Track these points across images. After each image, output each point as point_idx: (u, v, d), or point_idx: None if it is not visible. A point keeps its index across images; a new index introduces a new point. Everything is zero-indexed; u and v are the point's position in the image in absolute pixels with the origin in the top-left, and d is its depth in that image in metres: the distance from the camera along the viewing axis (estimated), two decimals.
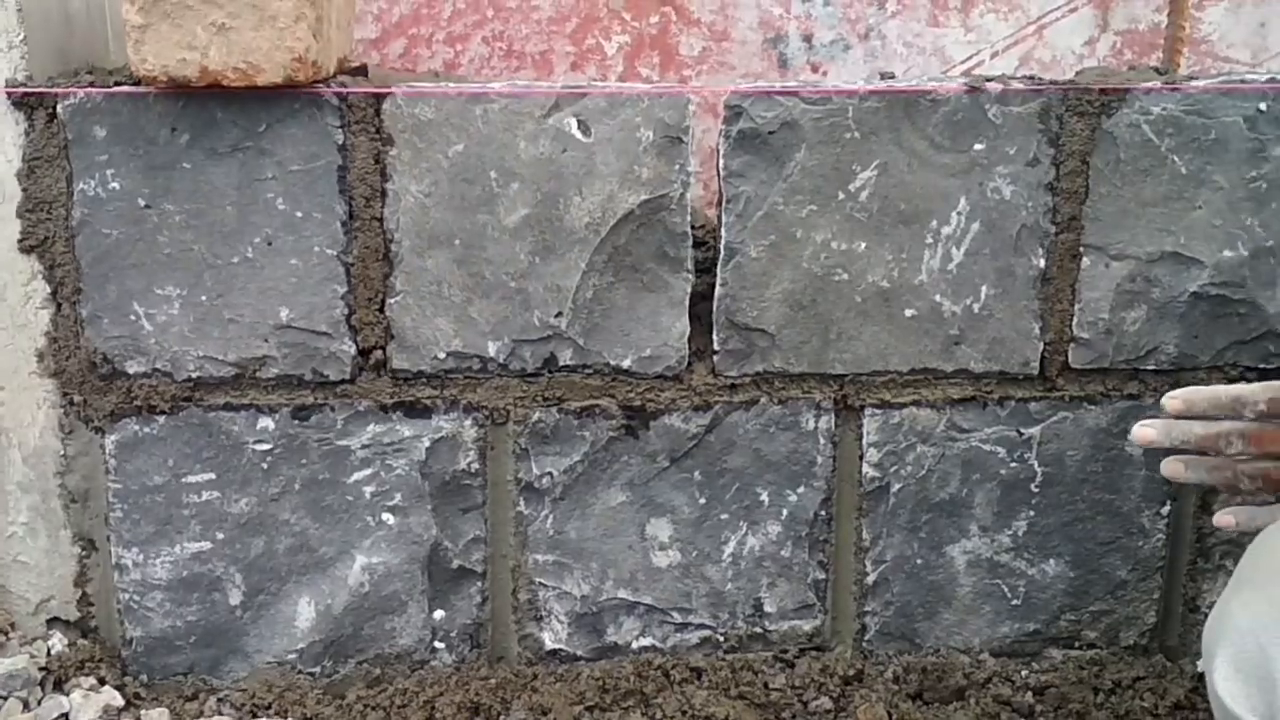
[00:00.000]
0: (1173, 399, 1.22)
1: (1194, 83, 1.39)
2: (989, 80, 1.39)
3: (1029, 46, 1.73)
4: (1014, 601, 1.51)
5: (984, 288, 1.42)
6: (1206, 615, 1.25)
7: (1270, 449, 1.18)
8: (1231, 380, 1.45)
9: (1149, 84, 1.39)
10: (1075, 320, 1.43)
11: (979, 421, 1.46)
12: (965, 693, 1.47)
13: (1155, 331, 1.44)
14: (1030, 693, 1.47)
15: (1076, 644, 1.53)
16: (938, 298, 1.42)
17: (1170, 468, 1.24)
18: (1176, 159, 1.39)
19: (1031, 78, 1.41)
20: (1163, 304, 1.43)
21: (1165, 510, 1.49)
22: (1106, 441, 1.47)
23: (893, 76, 1.51)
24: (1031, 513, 1.49)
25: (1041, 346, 1.44)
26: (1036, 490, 1.48)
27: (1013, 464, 1.47)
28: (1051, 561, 1.50)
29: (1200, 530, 1.51)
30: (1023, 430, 1.46)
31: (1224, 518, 1.22)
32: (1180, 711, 1.46)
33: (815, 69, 1.74)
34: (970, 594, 1.51)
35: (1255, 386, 1.19)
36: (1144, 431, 1.23)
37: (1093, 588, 1.51)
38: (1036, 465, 1.47)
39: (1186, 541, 1.52)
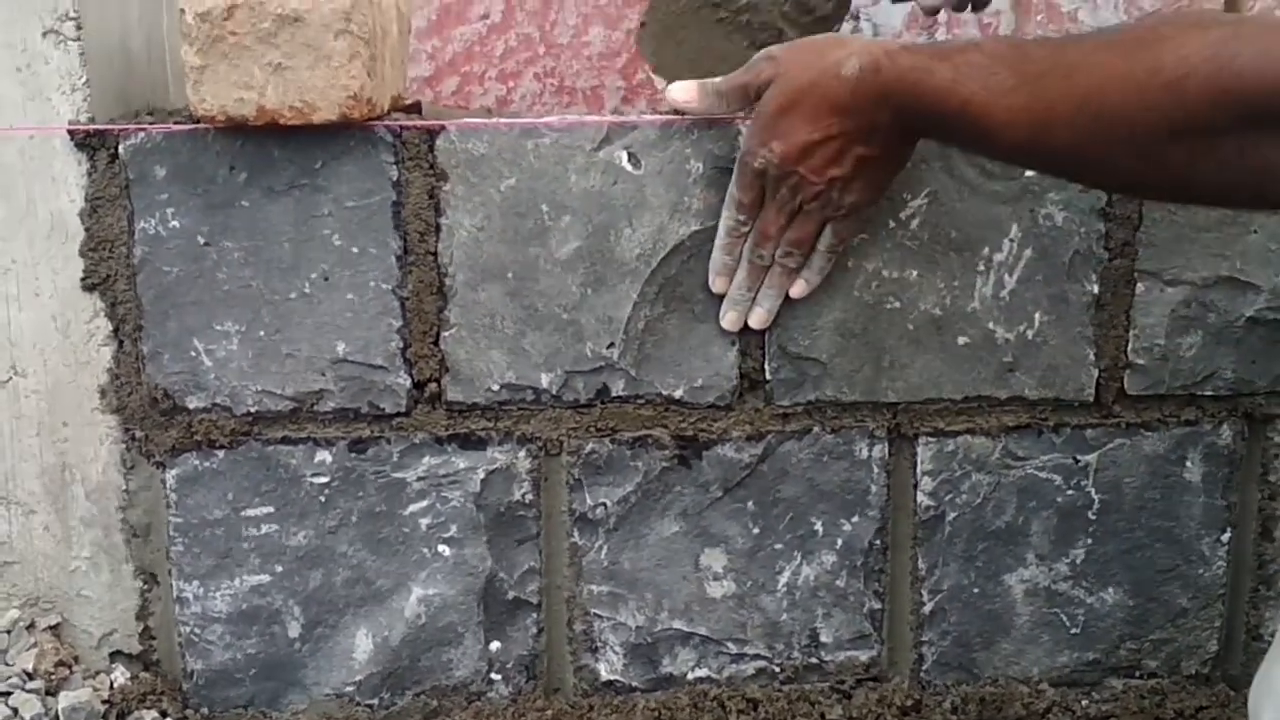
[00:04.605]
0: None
1: None
2: None
3: None
4: (1073, 630, 1.50)
5: (1037, 314, 1.41)
6: (1269, 644, 1.24)
7: None
8: None
9: None
10: (1130, 346, 1.43)
11: (1034, 449, 1.45)
12: None
13: (1212, 356, 1.43)
14: None
15: (1137, 673, 1.51)
16: (990, 325, 1.42)
17: None
18: None
19: None
20: (1219, 329, 1.42)
21: (1225, 537, 1.48)
22: (1164, 468, 1.46)
23: None
24: (1089, 540, 1.47)
25: (1097, 373, 1.43)
26: (1094, 518, 1.47)
27: (1069, 491, 1.46)
28: (1110, 590, 1.49)
29: (1262, 557, 1.49)
30: (1079, 457, 1.45)
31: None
32: None
33: None
34: (1028, 623, 1.49)
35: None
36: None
37: (1153, 616, 1.49)
38: (1093, 492, 1.46)
39: (1248, 568, 1.50)
